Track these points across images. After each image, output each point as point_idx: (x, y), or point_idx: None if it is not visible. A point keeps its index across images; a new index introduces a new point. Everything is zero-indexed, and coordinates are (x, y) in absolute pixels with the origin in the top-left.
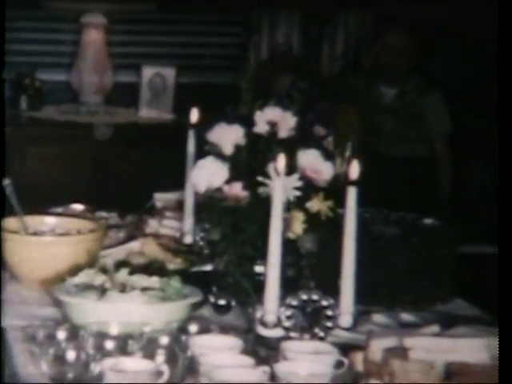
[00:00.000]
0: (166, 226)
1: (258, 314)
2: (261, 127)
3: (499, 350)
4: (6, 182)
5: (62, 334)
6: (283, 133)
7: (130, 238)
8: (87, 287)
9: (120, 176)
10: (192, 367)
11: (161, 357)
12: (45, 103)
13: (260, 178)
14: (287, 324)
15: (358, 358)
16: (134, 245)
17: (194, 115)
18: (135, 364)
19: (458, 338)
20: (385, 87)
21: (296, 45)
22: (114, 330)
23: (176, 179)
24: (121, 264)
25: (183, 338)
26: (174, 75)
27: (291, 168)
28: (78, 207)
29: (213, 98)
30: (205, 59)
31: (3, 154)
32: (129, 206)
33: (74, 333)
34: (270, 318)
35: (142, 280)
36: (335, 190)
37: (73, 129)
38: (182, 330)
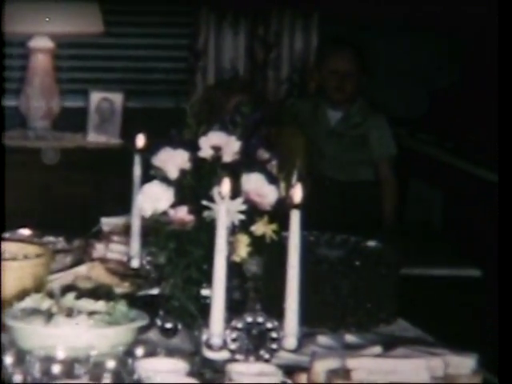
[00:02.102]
0: (113, 250)
1: (204, 337)
2: (205, 152)
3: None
4: None
5: (8, 359)
6: (227, 157)
7: (77, 262)
8: (34, 312)
9: (67, 200)
10: None
11: (107, 380)
12: None
13: (205, 202)
14: (233, 346)
15: (302, 379)
16: (81, 269)
17: (140, 140)
18: None
19: (400, 358)
20: (330, 110)
21: (242, 69)
22: (61, 355)
23: (123, 203)
24: (68, 288)
25: (130, 361)
26: (122, 100)
27: (236, 192)
28: (25, 232)
29: (160, 122)
30: (152, 84)
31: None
32: (76, 230)
33: (21, 357)
34: (216, 340)
35: (88, 304)
36: (279, 214)
37: (21, 154)
38: (129, 353)
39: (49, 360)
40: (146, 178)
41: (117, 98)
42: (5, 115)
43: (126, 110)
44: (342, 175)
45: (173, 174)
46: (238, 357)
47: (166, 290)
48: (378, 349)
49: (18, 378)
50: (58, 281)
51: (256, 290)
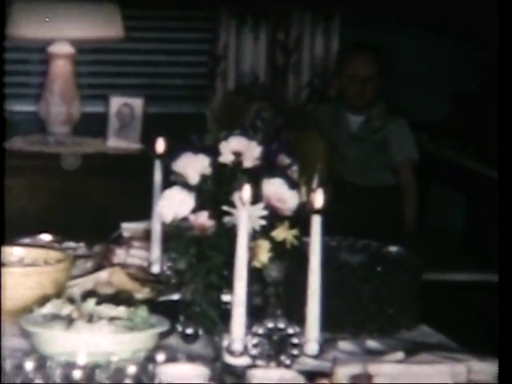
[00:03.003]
0: (134, 256)
1: (225, 343)
2: (226, 157)
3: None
4: None
5: (29, 365)
6: (248, 162)
7: (97, 267)
8: (54, 317)
9: (87, 206)
10: None
11: None
12: (13, 134)
13: (225, 208)
14: (254, 352)
15: None
16: (102, 275)
17: (160, 145)
18: None
19: (423, 364)
20: (351, 115)
21: (262, 74)
22: (82, 360)
23: (143, 209)
24: (88, 294)
25: (150, 367)
26: (142, 105)
27: (256, 197)
28: (46, 238)
29: (180, 127)
30: (172, 89)
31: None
32: (96, 236)
33: (42, 363)
34: (237, 346)
35: (109, 310)
36: (300, 219)
37: (41, 159)
38: (150, 359)
39: (69, 366)
40: (167, 183)
41: (137, 104)
42: (23, 120)
43: (146, 115)
44: (363, 180)
45: (193, 179)
46: (258, 362)
47: (186, 296)
48: (400, 354)
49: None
50: (78, 286)
51: (277, 296)
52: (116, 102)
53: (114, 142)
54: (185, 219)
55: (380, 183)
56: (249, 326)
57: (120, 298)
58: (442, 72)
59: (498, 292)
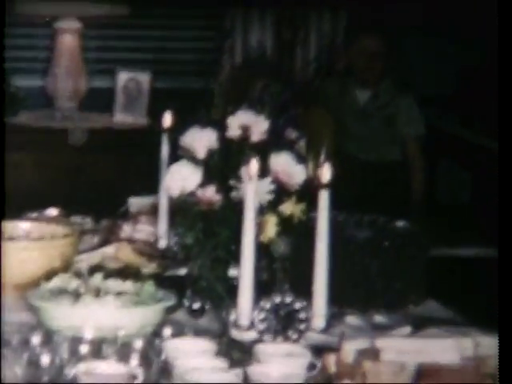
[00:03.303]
0: (141, 231)
1: (232, 318)
2: (233, 131)
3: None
4: None
5: (36, 339)
6: (255, 137)
7: (104, 242)
8: (61, 292)
9: (94, 181)
10: (166, 370)
11: (135, 360)
12: (19, 109)
13: (233, 182)
14: (260, 327)
15: (331, 359)
16: (109, 249)
17: (167, 119)
18: (109, 368)
19: (430, 339)
20: (359, 90)
21: (270, 49)
22: (89, 335)
23: (150, 184)
24: (95, 269)
25: (157, 341)
26: (149, 80)
27: (264, 172)
28: (53, 212)
29: (187, 102)
30: (179, 64)
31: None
32: (103, 210)
33: (49, 337)
34: (244, 321)
35: (116, 284)
36: (307, 194)
37: (47, 134)
38: (156, 333)
39: (76, 340)
40: (174, 158)
41: (144, 79)
42: (30, 95)
43: (153, 90)
44: (371, 155)
45: (200, 153)
46: (265, 337)
47: (193, 271)
48: (407, 329)
49: (45, 358)
50: (85, 261)
51: (284, 271)
52: (123, 77)
53: (121, 117)
54: (192, 194)
55: (387, 158)
56: (256, 301)
57: (127, 272)
58: (449, 45)
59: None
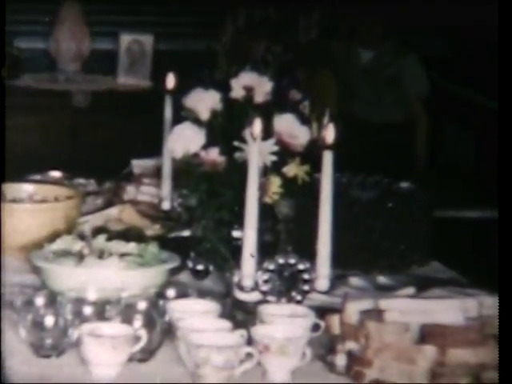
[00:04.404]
0: (144, 193)
1: (236, 279)
2: (237, 92)
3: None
4: None
5: (40, 301)
6: (259, 98)
7: (107, 204)
8: (65, 253)
9: (98, 143)
10: (170, 332)
11: (138, 322)
12: (23, 71)
13: (236, 143)
14: (264, 288)
15: (335, 320)
16: (112, 211)
17: (170, 81)
18: (113, 329)
19: (433, 299)
20: (362, 50)
21: (273, 11)
22: (92, 296)
23: (153, 145)
24: (98, 230)
25: (161, 303)
26: (152, 42)
27: (267, 133)
28: (56, 174)
29: (190, 64)
30: (182, 26)
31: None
32: (107, 172)
33: (52, 299)
34: (248, 282)
35: (119, 246)
36: (311, 155)
37: (51, 97)
38: (160, 295)
39: (80, 302)
40: (177, 119)
41: (147, 41)
42: (33, 58)
43: (156, 52)
44: (375, 116)
45: (204, 115)
46: (269, 298)
47: (197, 232)
48: (411, 290)
49: (49, 319)
50: (88, 223)
51: (287, 232)
52: (126, 39)
53: (124, 79)
54: (195, 155)
55: (391, 119)
56: (259, 262)
57: (130, 234)
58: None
59: (498, 228)
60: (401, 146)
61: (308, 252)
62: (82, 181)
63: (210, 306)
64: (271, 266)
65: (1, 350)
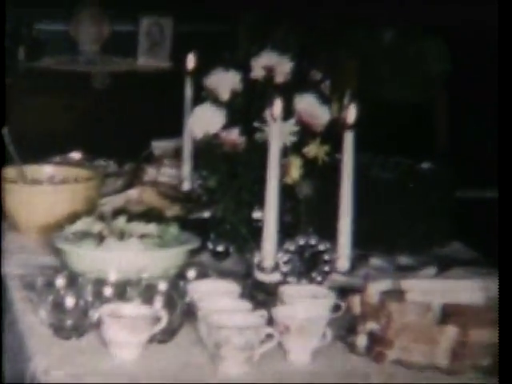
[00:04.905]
0: (164, 174)
1: (256, 260)
2: (257, 72)
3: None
4: (4, 130)
5: (60, 282)
6: (279, 78)
7: (127, 185)
8: (85, 235)
9: (118, 124)
10: (190, 312)
11: (159, 303)
12: (43, 53)
13: (256, 124)
14: (285, 269)
15: (355, 301)
16: (132, 193)
17: (191, 62)
18: (133, 310)
19: (454, 279)
20: (383, 30)
21: None
22: (112, 277)
23: (174, 126)
24: (119, 212)
25: (181, 283)
26: (172, 24)
27: (288, 113)
28: (76, 156)
29: (210, 45)
30: (202, 8)
31: (3, 104)
32: (127, 154)
33: (73, 280)
34: (268, 263)
35: (139, 227)
36: (332, 135)
37: (71, 78)
38: (180, 276)
39: (100, 283)
40: (198, 101)
41: (167, 22)
42: (53, 40)
43: (175, 33)
44: (396, 96)
45: (224, 95)
46: (290, 279)
47: (217, 213)
48: (432, 270)
49: (69, 300)
50: (108, 204)
51: (308, 213)
52: (146, 21)
53: (144, 61)
54: (216, 136)
55: (412, 99)
56: (280, 243)
57: (150, 215)
58: None
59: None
60: (422, 126)
61: (329, 233)
62: (102, 162)
63: (230, 286)
64: (292, 247)
65: (2, 351)
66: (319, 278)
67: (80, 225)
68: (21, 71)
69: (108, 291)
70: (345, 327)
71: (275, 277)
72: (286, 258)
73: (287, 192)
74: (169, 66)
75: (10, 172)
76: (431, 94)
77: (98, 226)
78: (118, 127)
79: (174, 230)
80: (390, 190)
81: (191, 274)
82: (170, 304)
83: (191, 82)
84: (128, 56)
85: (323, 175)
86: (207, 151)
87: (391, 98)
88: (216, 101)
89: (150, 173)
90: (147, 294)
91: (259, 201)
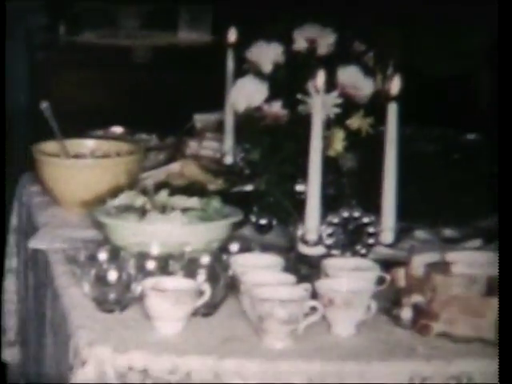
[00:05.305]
0: (206, 147)
1: (299, 233)
2: (299, 44)
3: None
4: (44, 104)
5: (103, 256)
6: (322, 49)
7: (169, 159)
8: (127, 209)
9: (160, 98)
10: (233, 286)
11: (202, 276)
12: (83, 28)
13: (299, 96)
14: (328, 242)
15: (400, 273)
16: (174, 166)
17: (232, 35)
18: (176, 283)
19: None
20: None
21: None
22: (155, 251)
23: (216, 100)
24: (161, 185)
25: (224, 257)
26: None
27: (331, 85)
28: (118, 130)
29: (252, 17)
30: None
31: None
32: (169, 127)
33: (115, 254)
34: (311, 236)
35: (182, 201)
36: (376, 107)
37: (111, 52)
38: (223, 249)
39: (143, 256)
40: (239, 74)
41: None
42: (93, 14)
43: (217, 7)
44: (440, 67)
45: (266, 67)
46: (333, 252)
47: (260, 186)
48: (477, 242)
49: (112, 274)
50: (150, 178)
51: (352, 185)
52: None
53: (185, 34)
54: (258, 109)
55: (454, 71)
56: (323, 216)
57: (193, 189)
58: None
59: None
60: (466, 97)
61: (372, 205)
62: (144, 136)
63: (273, 260)
64: (335, 220)
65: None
66: (363, 251)
67: (122, 199)
68: (61, 46)
69: (151, 265)
70: (389, 300)
71: (319, 250)
72: (329, 230)
73: (330, 164)
74: (210, 39)
75: (52, 147)
76: (474, 66)
77: (140, 200)
78: (159, 101)
79: (216, 203)
80: (435, 161)
81: (234, 247)
82: (212, 277)
83: (233, 54)
84: (169, 29)
85: (366, 147)
86: (249, 124)
87: (434, 68)
88: (258, 73)
89: (192, 146)
90: (190, 267)
91: (302, 173)
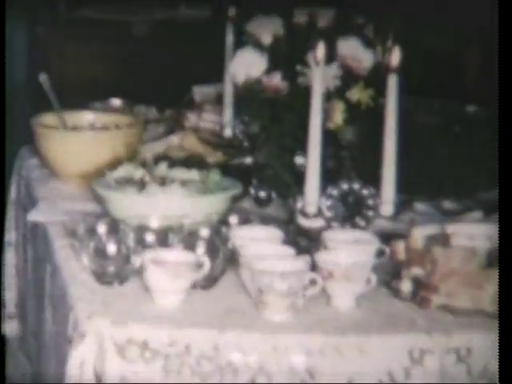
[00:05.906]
0: (206, 120)
1: (299, 205)
2: (299, 17)
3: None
4: (43, 77)
5: (102, 228)
6: (322, 22)
7: (169, 132)
8: (127, 181)
9: (159, 71)
10: (232, 259)
11: (201, 249)
12: (82, 3)
13: (299, 68)
14: (328, 214)
15: (400, 246)
16: (174, 139)
17: (232, 11)
18: (176, 256)
19: None
20: None
21: None
22: (154, 224)
23: (215, 72)
24: (160, 158)
25: (224, 229)
26: None
27: (331, 57)
28: (117, 102)
29: None
30: None
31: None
32: (168, 100)
33: (115, 227)
34: (311, 208)
35: (181, 173)
36: (376, 79)
37: (111, 26)
38: (223, 222)
39: (142, 229)
40: (239, 47)
41: None
42: None
43: None
44: (440, 39)
45: (266, 39)
46: (333, 224)
47: (259, 159)
48: (478, 214)
49: (111, 246)
50: (150, 150)
51: (351, 158)
52: None
53: (184, 8)
54: (257, 81)
55: (458, 42)
56: (323, 188)
57: (192, 161)
58: None
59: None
60: (468, 69)
61: (372, 178)
62: (142, 108)
63: (273, 232)
64: (335, 192)
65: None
66: (363, 223)
67: (121, 171)
68: (61, 20)
69: (150, 237)
70: (389, 272)
71: (318, 222)
72: (329, 203)
73: (330, 137)
74: (209, 13)
75: (50, 119)
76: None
77: (139, 173)
78: (158, 73)
79: (215, 175)
80: (435, 133)
81: (233, 219)
82: (212, 250)
83: (232, 29)
84: (167, 3)
85: (367, 119)
86: (249, 96)
87: (437, 40)
88: (258, 45)
89: (191, 119)
90: (189, 240)
91: (302, 146)
